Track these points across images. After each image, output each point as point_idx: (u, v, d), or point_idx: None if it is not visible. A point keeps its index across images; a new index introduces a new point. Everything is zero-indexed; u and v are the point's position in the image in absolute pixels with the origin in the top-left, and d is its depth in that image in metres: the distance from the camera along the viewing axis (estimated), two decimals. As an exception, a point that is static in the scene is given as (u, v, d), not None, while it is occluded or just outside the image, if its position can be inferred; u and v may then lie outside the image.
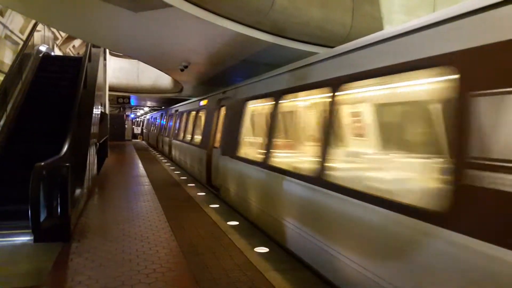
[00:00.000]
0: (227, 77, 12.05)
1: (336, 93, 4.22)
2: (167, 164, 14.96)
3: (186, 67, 10.66)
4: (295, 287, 3.86)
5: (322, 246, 3.95)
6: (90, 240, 5.16)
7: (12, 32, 10.97)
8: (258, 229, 5.90)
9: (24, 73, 9.36)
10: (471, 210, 2.40)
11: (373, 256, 3.22)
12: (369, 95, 4.67)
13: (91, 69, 10.81)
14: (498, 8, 2.41)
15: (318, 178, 4.19)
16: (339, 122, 4.58)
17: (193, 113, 13.07)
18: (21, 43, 10.81)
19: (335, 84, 4.23)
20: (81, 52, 18.36)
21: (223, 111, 9.18)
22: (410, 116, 4.89)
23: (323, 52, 4.81)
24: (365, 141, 5.51)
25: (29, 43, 10.24)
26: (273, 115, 5.86)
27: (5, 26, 10.45)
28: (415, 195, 3.27)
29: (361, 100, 5.19)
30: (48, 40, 13.37)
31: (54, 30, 15.18)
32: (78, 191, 6.57)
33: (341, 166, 4.53)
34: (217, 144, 9.13)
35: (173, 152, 15.99)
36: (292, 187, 4.81)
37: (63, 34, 18.74)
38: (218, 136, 9.22)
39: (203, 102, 11.71)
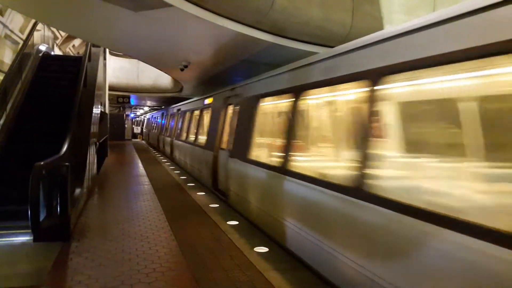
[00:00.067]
0: (227, 77, 12.05)
1: (377, 87, 3.55)
2: (166, 164, 14.96)
3: (186, 66, 10.65)
4: (295, 287, 3.86)
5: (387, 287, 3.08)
6: (90, 239, 5.16)
7: (12, 31, 10.96)
8: (292, 256, 4.78)
9: (24, 73, 9.35)
10: None
11: None
12: (427, 88, 3.65)
13: (91, 68, 10.82)
14: None
15: (361, 190, 3.47)
16: (380, 122, 3.82)
17: (197, 112, 12.36)
18: (21, 42, 10.80)
19: (375, 75, 3.55)
20: (81, 51, 18.34)
21: (230, 109, 8.55)
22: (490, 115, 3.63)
23: (358, 40, 4.04)
24: (418, 145, 4.15)
25: (29, 43, 10.24)
26: (294, 113, 5.20)
27: (5, 26, 10.45)
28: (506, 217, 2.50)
29: (414, 95, 4.02)
30: (48, 40, 13.37)
31: (54, 30, 15.17)
32: (78, 190, 6.57)
33: (390, 175, 3.76)
34: (224, 146, 8.46)
35: (174, 153, 15.43)
36: (323, 198, 4.09)
37: (63, 34, 18.74)
38: (225, 136, 8.60)
39: (208, 101, 10.99)
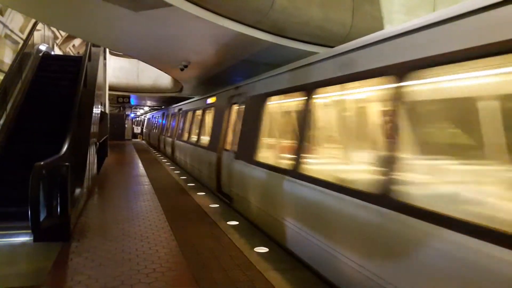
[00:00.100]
0: (227, 77, 12.05)
1: (404, 83, 3.18)
2: (166, 163, 14.95)
3: (186, 66, 10.66)
4: (294, 287, 3.86)
5: None
6: (90, 239, 5.16)
7: (12, 31, 10.96)
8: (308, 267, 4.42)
9: (24, 73, 9.36)
10: None
11: None
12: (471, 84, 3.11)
13: (91, 68, 10.82)
14: None
15: (389, 198, 3.03)
16: (411, 121, 3.32)
17: (199, 112, 11.99)
18: (21, 42, 10.81)
19: (405, 69, 3.16)
20: (81, 51, 18.34)
21: (235, 109, 8.20)
22: None
23: (384, 31, 3.70)
24: (458, 148, 3.55)
25: (29, 42, 10.24)
26: (307, 112, 4.82)
27: (5, 25, 10.45)
28: None
29: (455, 92, 3.41)
30: (48, 39, 13.37)
31: (54, 29, 15.17)
32: (78, 190, 6.57)
33: (424, 181, 3.31)
34: (228, 146, 8.09)
35: (176, 154, 15.14)
36: (344, 206, 3.68)
37: (63, 33, 18.74)
38: (229, 137, 8.21)
39: (210, 100, 10.60)
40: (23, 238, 5.15)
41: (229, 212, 7.05)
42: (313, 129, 5.01)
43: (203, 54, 9.59)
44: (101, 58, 12.90)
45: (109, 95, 18.95)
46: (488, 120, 3.01)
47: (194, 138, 11.95)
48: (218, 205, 7.55)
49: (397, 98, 3.26)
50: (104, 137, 13.64)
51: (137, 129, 42.80)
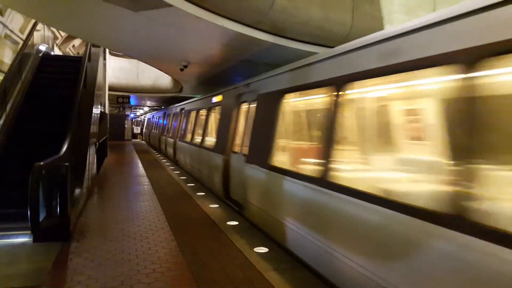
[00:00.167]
0: (227, 77, 12.06)
1: (478, 73, 2.56)
2: (166, 164, 14.95)
3: (186, 66, 10.67)
4: (294, 287, 3.85)
5: None
6: (90, 239, 5.15)
7: (12, 31, 10.96)
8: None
9: (24, 73, 9.35)
10: None
11: None
12: None
13: (91, 68, 10.81)
14: None
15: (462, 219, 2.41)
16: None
17: (203, 111, 11.28)
18: (21, 42, 10.80)
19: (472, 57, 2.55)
20: (81, 51, 18.34)
21: (244, 108, 7.56)
22: None
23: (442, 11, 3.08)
24: None
25: (29, 43, 10.24)
26: (336, 111, 4.15)
27: (4, 26, 10.45)
28: None
29: None
30: (47, 40, 13.38)
31: (54, 30, 15.17)
32: (77, 190, 6.56)
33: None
34: (237, 149, 7.49)
35: (178, 155, 14.52)
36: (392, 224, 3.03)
37: (63, 34, 18.73)
38: (238, 138, 7.64)
39: (216, 98, 9.87)
40: (23, 239, 5.15)
41: (229, 212, 7.05)
42: (346, 130, 4.39)
43: (203, 54, 9.60)
44: (101, 58, 12.90)
45: (109, 95, 18.96)
46: None
47: (198, 139, 11.33)
48: (217, 205, 7.54)
49: (469, 93, 2.58)
50: (104, 137, 13.64)
51: (137, 129, 42.82)
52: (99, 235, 5.34)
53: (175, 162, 15.09)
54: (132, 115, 39.96)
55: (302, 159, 5.16)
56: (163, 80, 19.79)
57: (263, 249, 4.95)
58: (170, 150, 16.66)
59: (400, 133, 4.54)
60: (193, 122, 12.71)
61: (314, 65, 4.84)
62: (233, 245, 5.07)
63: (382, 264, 3.07)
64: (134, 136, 37.64)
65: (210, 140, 9.96)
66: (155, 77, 19.93)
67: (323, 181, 4.04)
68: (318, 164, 4.26)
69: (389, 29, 3.63)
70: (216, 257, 4.59)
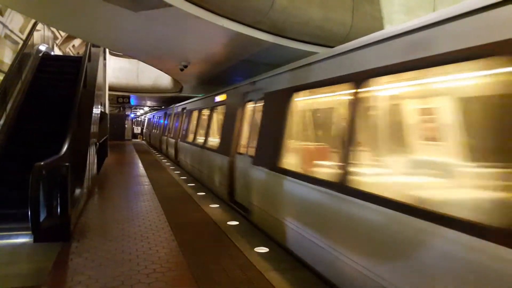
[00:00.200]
0: (227, 77, 12.07)
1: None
2: (166, 163, 14.95)
3: (186, 66, 10.67)
4: (295, 287, 3.86)
5: None
6: (90, 240, 5.15)
7: (11, 31, 10.96)
8: None
9: (24, 73, 9.36)
10: None
11: None
12: None
13: (91, 68, 10.81)
14: None
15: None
16: None
17: (206, 110, 10.96)
18: (21, 42, 10.80)
19: None
20: (81, 51, 18.34)
21: (250, 107, 7.24)
22: None
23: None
24: None
25: (29, 43, 10.24)
26: (354, 109, 3.79)
27: (4, 26, 10.45)
28: None
29: None
30: (47, 40, 13.38)
31: (54, 30, 15.18)
32: (78, 190, 6.56)
33: None
34: (242, 150, 7.18)
35: (180, 156, 14.15)
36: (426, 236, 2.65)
37: (63, 34, 18.74)
38: (243, 139, 7.33)
39: (220, 97, 9.55)
40: (23, 239, 5.15)
41: (229, 212, 7.05)
42: (371, 130, 4.08)
43: (203, 54, 9.61)
44: (101, 58, 12.90)
45: (109, 95, 18.95)
46: None
47: (200, 139, 10.97)
48: (218, 205, 7.54)
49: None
50: (104, 137, 13.64)
51: (137, 129, 42.85)
52: (100, 235, 5.35)
53: (176, 163, 14.79)
54: (132, 115, 39.99)
55: (316, 162, 4.82)
56: (163, 80, 19.79)
57: (263, 249, 4.95)
58: (171, 151, 16.38)
59: (438, 134, 4.03)
60: (195, 122, 12.35)
61: (330, 60, 4.41)
62: (233, 245, 5.07)
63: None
64: (134, 136, 37.67)
65: (214, 140, 9.61)
66: (155, 77, 19.93)
67: (344, 187, 3.62)
68: (337, 167, 3.84)
69: (418, 21, 3.16)
70: (216, 257, 4.59)
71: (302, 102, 5.45)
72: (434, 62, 2.89)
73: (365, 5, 7.60)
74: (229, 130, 8.02)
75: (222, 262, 4.45)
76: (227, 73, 11.56)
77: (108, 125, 16.89)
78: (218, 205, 7.55)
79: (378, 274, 3.10)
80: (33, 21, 11.45)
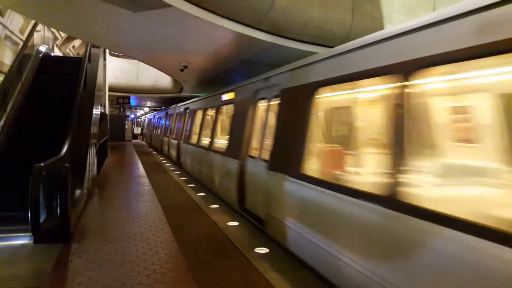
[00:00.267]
0: (227, 77, 12.07)
1: None
2: (166, 163, 14.94)
3: (186, 67, 10.67)
4: (295, 287, 3.85)
5: None
6: (90, 241, 5.15)
7: (12, 32, 10.97)
8: None
9: (24, 74, 9.36)
10: None
11: None
12: None
13: (91, 69, 10.82)
14: None
15: None
16: None
17: (212, 110, 10.35)
18: (21, 43, 10.81)
19: None
20: (81, 52, 18.35)
21: (263, 106, 6.66)
22: None
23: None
24: None
25: (29, 44, 10.25)
26: (407, 106, 3.13)
27: (5, 26, 10.45)
28: None
29: None
30: (48, 41, 13.38)
31: (54, 30, 15.18)
32: (78, 191, 6.56)
33: None
34: (254, 153, 6.58)
35: (182, 158, 13.54)
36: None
37: (63, 35, 18.75)
38: (256, 141, 6.71)
39: (227, 96, 8.94)
40: (23, 240, 5.15)
41: (230, 213, 7.04)
42: (428, 130, 3.49)
43: (203, 55, 9.60)
44: (101, 59, 12.91)
45: (109, 96, 18.95)
46: None
47: (205, 141, 10.34)
48: (218, 206, 7.54)
49: None
50: (104, 138, 13.64)
51: (137, 130, 42.90)
52: (100, 236, 5.34)
53: (179, 165, 14.17)
54: (132, 116, 40.02)
55: (353, 169, 4.21)
56: (163, 80, 19.78)
57: (263, 250, 4.94)
58: (173, 152, 15.82)
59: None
60: (199, 122, 11.67)
61: (368, 48, 3.75)
62: (233, 245, 5.06)
63: None
64: (135, 136, 37.70)
65: (221, 142, 9.02)
66: (155, 77, 19.92)
67: (400, 202, 2.92)
68: (386, 175, 3.16)
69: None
70: (216, 258, 4.58)
71: (332, 98, 4.77)
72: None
73: (364, 5, 7.59)
74: (238, 131, 7.41)
75: (222, 262, 4.44)
76: (227, 73, 11.56)
77: (108, 126, 16.89)
78: (218, 205, 7.54)
79: None
80: (33, 22, 11.46)
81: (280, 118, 5.58)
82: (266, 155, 5.91)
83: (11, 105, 8.28)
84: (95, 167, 10.32)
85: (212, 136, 9.68)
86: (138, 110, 41.64)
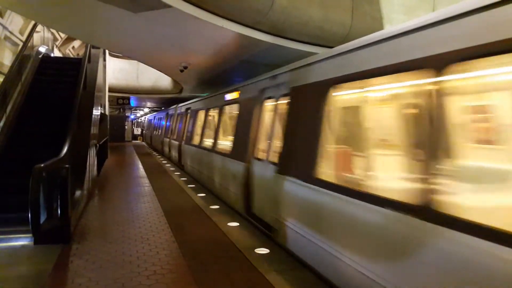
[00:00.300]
0: (227, 77, 12.06)
1: None
2: (166, 164, 14.93)
3: (185, 67, 10.67)
4: (295, 287, 3.85)
5: None
6: (90, 242, 5.15)
7: (11, 33, 10.97)
8: None
9: (24, 75, 9.35)
10: None
11: None
12: None
13: (91, 70, 10.81)
14: None
15: None
16: None
17: (214, 110, 10.01)
18: (21, 44, 10.81)
19: None
20: (81, 53, 18.35)
21: (270, 105, 6.38)
22: None
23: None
24: None
25: (29, 44, 10.24)
26: (441, 104, 2.79)
27: (4, 27, 10.45)
28: None
29: None
30: (47, 41, 13.37)
31: (54, 31, 15.18)
32: (78, 192, 6.56)
33: None
34: (261, 155, 6.29)
35: (184, 160, 13.29)
36: None
37: (63, 35, 18.74)
38: (263, 143, 6.45)
39: (231, 95, 8.63)
40: (24, 241, 5.14)
41: (230, 214, 7.03)
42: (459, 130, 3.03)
43: (203, 55, 9.60)
44: (101, 59, 12.91)
45: (109, 96, 18.96)
46: None
47: (208, 142, 9.95)
48: (218, 206, 7.53)
49: None
50: (104, 139, 13.64)
51: (137, 131, 42.92)
52: (100, 237, 5.34)
53: (180, 166, 13.86)
54: (132, 116, 40.03)
55: (380, 174, 3.82)
56: (163, 81, 19.78)
57: (264, 250, 4.94)
58: (174, 154, 15.50)
59: None
60: (202, 123, 11.26)
61: (393, 40, 3.37)
62: (234, 246, 5.06)
63: None
64: (135, 137, 37.71)
65: (225, 143, 8.72)
66: (155, 78, 19.92)
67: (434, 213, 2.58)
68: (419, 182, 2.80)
69: None
70: (217, 259, 4.58)
71: (345, 97, 4.47)
72: None
73: (364, 5, 7.59)
74: (243, 132, 7.08)
75: (222, 263, 4.43)
76: (227, 74, 11.55)
77: (108, 127, 16.88)
78: (218, 206, 7.53)
79: None
80: (32, 22, 11.46)
81: (291, 119, 5.23)
82: (274, 157, 5.62)
83: (11, 106, 8.27)
84: (95, 168, 10.32)
85: (216, 137, 9.37)
86: (138, 111, 41.65)
